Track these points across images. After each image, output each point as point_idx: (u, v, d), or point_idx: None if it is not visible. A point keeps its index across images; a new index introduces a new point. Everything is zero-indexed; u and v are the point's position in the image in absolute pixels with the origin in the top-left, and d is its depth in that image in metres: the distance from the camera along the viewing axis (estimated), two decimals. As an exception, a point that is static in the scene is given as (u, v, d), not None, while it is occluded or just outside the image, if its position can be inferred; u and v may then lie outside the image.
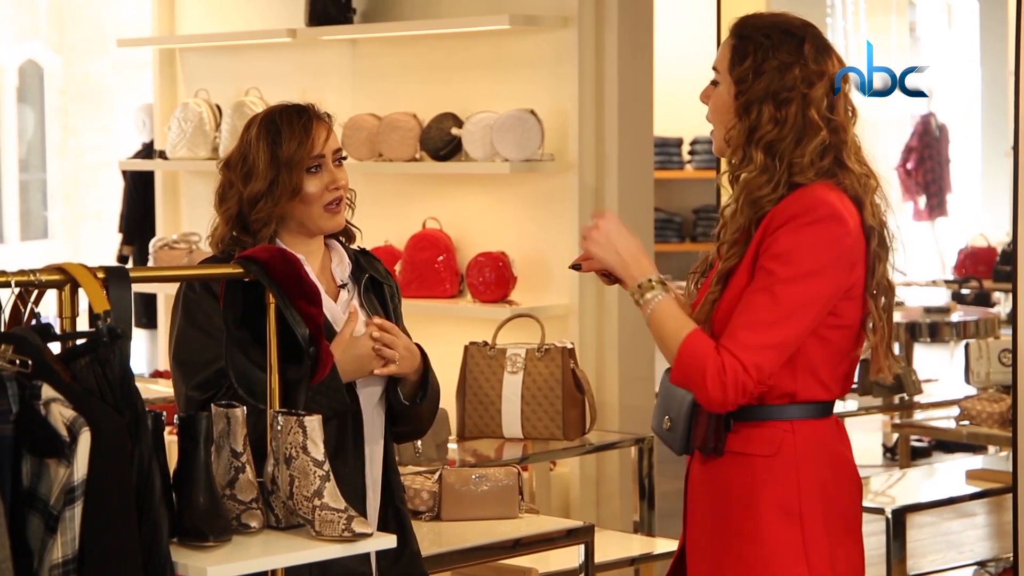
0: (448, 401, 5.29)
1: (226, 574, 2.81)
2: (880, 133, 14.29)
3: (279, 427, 3.01)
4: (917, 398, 7.57)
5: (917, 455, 8.96)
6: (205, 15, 7.54)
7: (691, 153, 10.71)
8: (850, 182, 3.22)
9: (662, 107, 6.88)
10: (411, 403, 3.68)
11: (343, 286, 3.72)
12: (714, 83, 3.29)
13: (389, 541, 3.04)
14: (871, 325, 3.26)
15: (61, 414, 2.54)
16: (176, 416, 3.06)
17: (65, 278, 2.84)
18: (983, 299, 10.82)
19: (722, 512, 3.25)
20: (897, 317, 8.75)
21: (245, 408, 3.02)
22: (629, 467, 5.99)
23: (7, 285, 2.80)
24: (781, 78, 3.20)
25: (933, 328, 8.77)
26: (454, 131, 6.31)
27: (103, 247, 14.51)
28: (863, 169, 3.25)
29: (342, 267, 3.73)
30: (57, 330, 2.77)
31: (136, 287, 2.93)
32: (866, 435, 9.44)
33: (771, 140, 3.20)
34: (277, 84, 6.95)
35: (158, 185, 7.74)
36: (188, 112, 7.11)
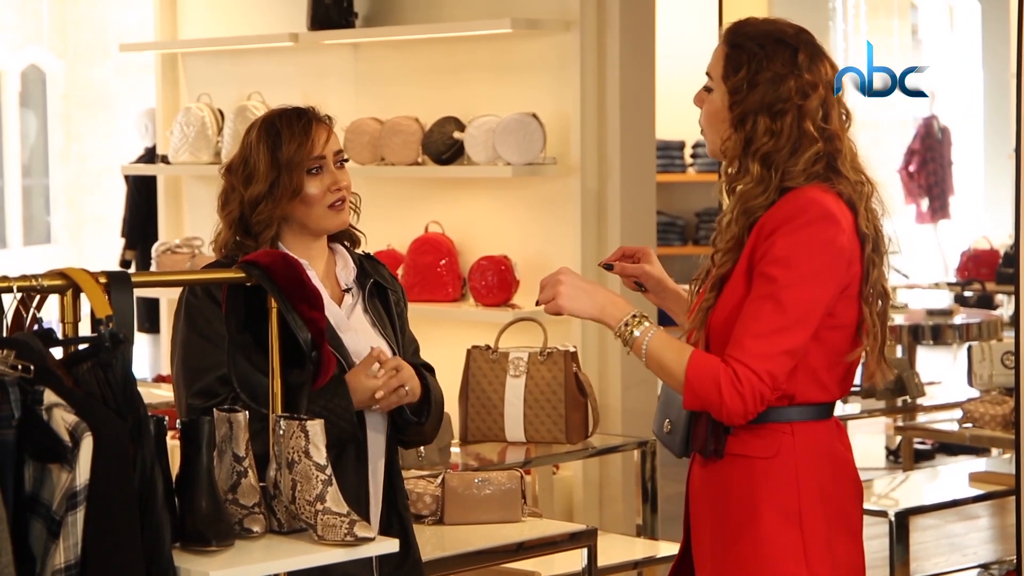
0: (451, 405, 5.29)
1: (228, 579, 2.81)
2: (882, 135, 14.29)
3: (281, 431, 3.01)
4: (920, 401, 7.56)
5: (920, 458, 8.95)
6: (207, 20, 7.54)
7: (693, 156, 10.71)
8: (844, 187, 3.22)
9: (664, 110, 6.88)
10: (417, 420, 3.69)
11: (347, 290, 3.72)
12: (707, 88, 3.29)
13: (391, 546, 3.04)
14: (864, 328, 3.26)
15: (63, 419, 2.54)
16: (178, 420, 3.06)
17: (67, 283, 2.84)
18: (986, 301, 10.82)
19: (722, 514, 3.25)
20: (900, 319, 8.79)
21: (247, 412, 3.02)
22: (632, 470, 5.99)
23: (9, 290, 2.80)
24: (775, 90, 3.20)
25: (936, 330, 8.77)
26: (456, 135, 6.31)
27: (106, 252, 14.52)
28: (857, 176, 3.25)
29: (347, 271, 3.73)
30: (59, 335, 2.77)
31: (138, 292, 2.93)
32: (869, 438, 9.43)
33: (767, 152, 3.20)
34: (279, 88, 6.96)
35: (161, 190, 7.74)
36: (190, 116, 7.11)
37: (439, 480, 4.56)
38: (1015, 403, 4.79)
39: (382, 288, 3.76)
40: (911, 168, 13.55)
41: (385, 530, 3.62)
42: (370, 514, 3.62)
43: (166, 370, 7.32)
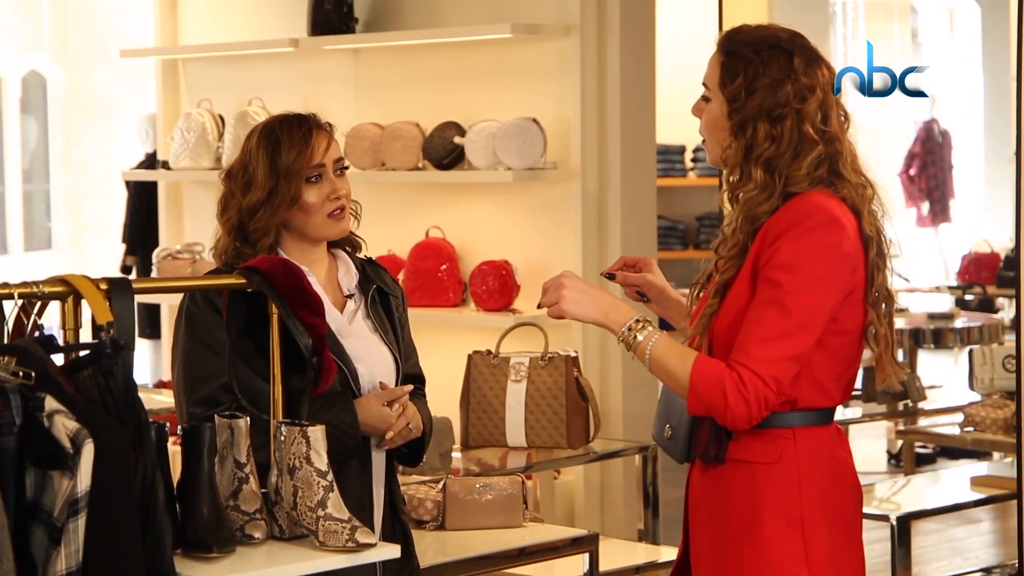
0: (452, 410, 5.30)
1: (230, 585, 2.81)
2: (883, 139, 14.29)
3: (282, 437, 3.01)
4: (921, 405, 7.55)
5: (921, 462, 8.95)
6: (208, 25, 7.54)
7: (694, 160, 10.71)
8: (847, 192, 3.22)
9: (664, 115, 6.88)
10: (410, 460, 3.75)
11: (350, 296, 3.71)
12: (705, 98, 3.29)
13: (393, 551, 3.04)
14: (873, 332, 3.26)
15: (64, 426, 2.54)
16: (180, 427, 3.06)
17: (68, 290, 2.84)
18: (987, 305, 10.82)
19: (723, 520, 3.25)
20: (901, 324, 8.79)
21: (248, 419, 3.02)
22: (633, 475, 5.99)
23: (10, 297, 2.80)
24: (774, 95, 3.20)
25: (937, 334, 8.76)
26: (457, 140, 6.31)
27: (106, 258, 14.52)
28: (859, 179, 3.25)
29: (349, 277, 3.73)
30: (60, 342, 2.77)
31: (139, 298, 2.93)
32: (870, 442, 9.43)
33: (769, 157, 3.20)
34: (280, 94, 6.96)
35: (161, 195, 7.74)
36: (191, 122, 7.11)
37: (440, 485, 4.56)
38: (1016, 407, 4.79)
39: (385, 294, 3.76)
40: (911, 172, 13.55)
41: (388, 536, 3.62)
42: (374, 520, 3.62)
43: (167, 376, 7.32)
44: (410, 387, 3.64)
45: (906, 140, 14.04)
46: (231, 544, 2.90)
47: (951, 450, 8.88)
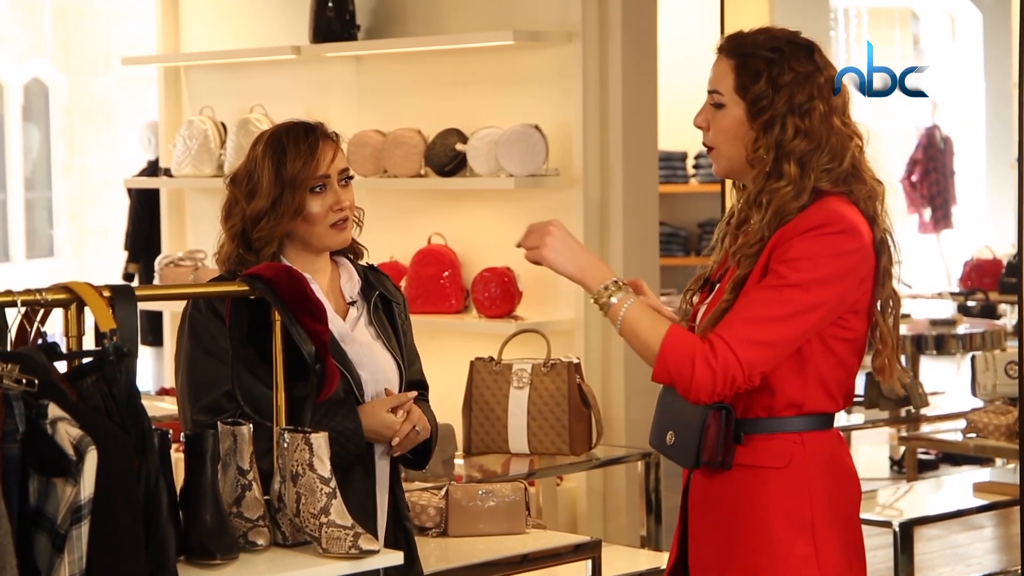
0: (454, 417, 5.30)
1: (233, 592, 2.82)
2: (885, 145, 14.29)
3: (285, 444, 3.01)
4: (924, 411, 7.55)
5: (924, 468, 8.95)
6: (210, 33, 7.55)
7: (695, 167, 10.71)
8: (863, 194, 3.22)
9: (666, 121, 6.88)
10: (415, 464, 3.74)
11: (352, 303, 3.71)
12: (716, 105, 3.27)
13: (396, 558, 3.04)
14: (878, 335, 3.26)
15: (67, 433, 2.54)
16: (182, 434, 3.07)
17: (71, 297, 2.85)
18: (989, 311, 10.82)
19: (731, 525, 3.24)
20: (903, 330, 8.76)
21: (251, 426, 3.02)
22: (636, 482, 5.99)
23: (13, 304, 2.80)
24: (801, 89, 3.19)
25: (939, 340, 8.76)
26: (459, 147, 6.31)
27: (109, 265, 14.52)
28: (871, 175, 3.26)
29: (351, 284, 3.73)
30: (63, 349, 2.77)
31: (141, 305, 2.93)
32: (873, 448, 9.43)
33: (802, 152, 3.18)
34: (282, 101, 6.96)
35: (163, 203, 7.75)
36: (193, 129, 7.12)
37: (443, 492, 4.56)
38: (1019, 413, 4.79)
39: (387, 300, 3.76)
40: (913, 178, 13.56)
41: (391, 543, 3.62)
42: (377, 527, 3.62)
43: (169, 383, 7.32)
44: (414, 393, 3.64)
45: (908, 146, 14.04)
46: (234, 551, 2.90)
47: (953, 456, 8.87)
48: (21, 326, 2.84)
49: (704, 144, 3.32)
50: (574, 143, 6.18)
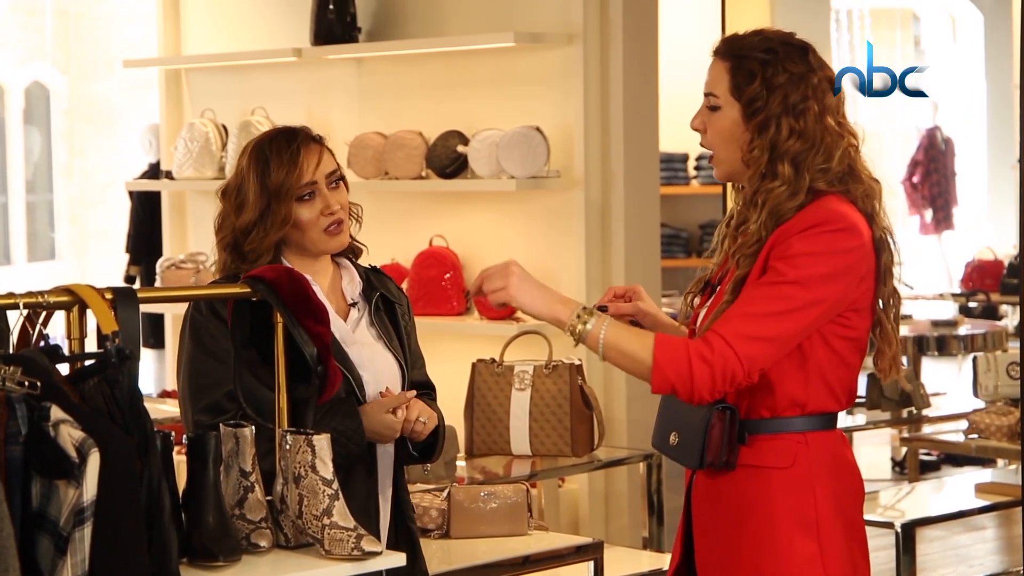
0: (456, 418, 5.30)
1: (236, 594, 2.82)
2: (886, 146, 14.30)
3: (288, 446, 3.01)
4: (925, 412, 7.56)
5: (926, 469, 8.95)
6: (211, 35, 7.55)
7: (697, 168, 10.71)
8: (860, 193, 3.23)
9: (667, 123, 6.88)
10: (421, 460, 3.71)
11: (353, 304, 3.71)
12: (712, 107, 3.28)
13: (398, 559, 3.04)
14: (880, 332, 3.27)
15: (70, 435, 2.54)
16: (185, 436, 3.07)
17: (73, 299, 2.85)
18: (990, 312, 10.83)
19: (735, 525, 3.24)
20: (905, 331, 8.79)
21: (253, 427, 3.02)
22: (638, 483, 5.99)
23: (15, 307, 2.81)
24: (795, 89, 3.20)
25: (941, 342, 8.77)
26: (460, 148, 6.31)
27: (110, 267, 14.52)
28: (868, 174, 3.26)
29: (352, 285, 3.72)
30: (65, 351, 2.78)
31: (144, 307, 2.93)
32: (875, 449, 9.43)
33: (796, 152, 3.19)
34: (283, 103, 6.97)
35: (165, 205, 7.75)
36: (194, 132, 7.12)
37: (445, 494, 4.56)
38: (1021, 414, 4.80)
39: (389, 302, 3.75)
40: (915, 179, 13.56)
41: (393, 544, 3.62)
42: (379, 528, 3.62)
43: (171, 385, 7.32)
44: (413, 392, 3.63)
45: (909, 147, 14.05)
46: (237, 553, 2.90)
47: (955, 457, 8.87)
48: (23, 328, 2.85)
49: (702, 146, 3.33)
50: (575, 145, 6.18)
